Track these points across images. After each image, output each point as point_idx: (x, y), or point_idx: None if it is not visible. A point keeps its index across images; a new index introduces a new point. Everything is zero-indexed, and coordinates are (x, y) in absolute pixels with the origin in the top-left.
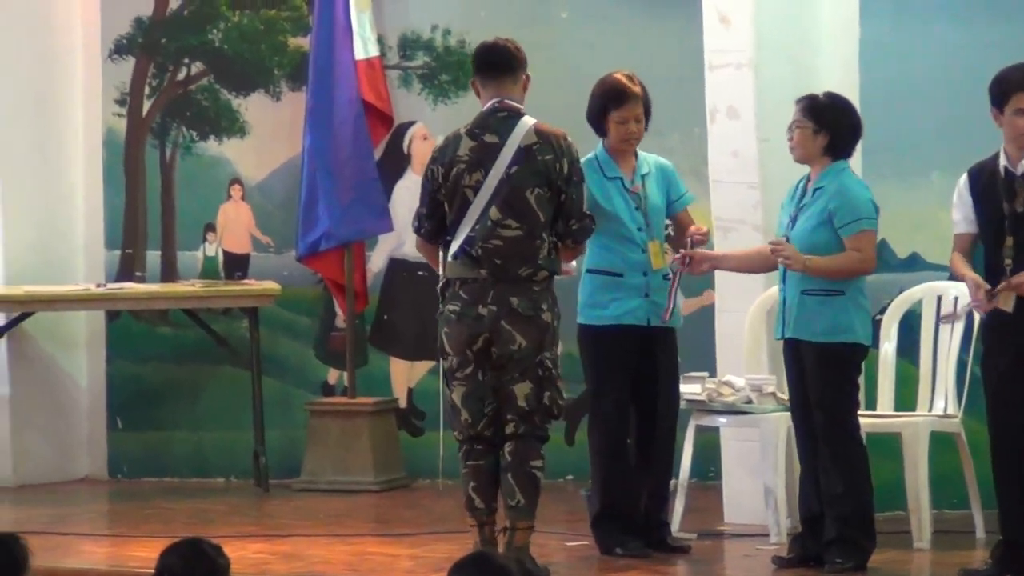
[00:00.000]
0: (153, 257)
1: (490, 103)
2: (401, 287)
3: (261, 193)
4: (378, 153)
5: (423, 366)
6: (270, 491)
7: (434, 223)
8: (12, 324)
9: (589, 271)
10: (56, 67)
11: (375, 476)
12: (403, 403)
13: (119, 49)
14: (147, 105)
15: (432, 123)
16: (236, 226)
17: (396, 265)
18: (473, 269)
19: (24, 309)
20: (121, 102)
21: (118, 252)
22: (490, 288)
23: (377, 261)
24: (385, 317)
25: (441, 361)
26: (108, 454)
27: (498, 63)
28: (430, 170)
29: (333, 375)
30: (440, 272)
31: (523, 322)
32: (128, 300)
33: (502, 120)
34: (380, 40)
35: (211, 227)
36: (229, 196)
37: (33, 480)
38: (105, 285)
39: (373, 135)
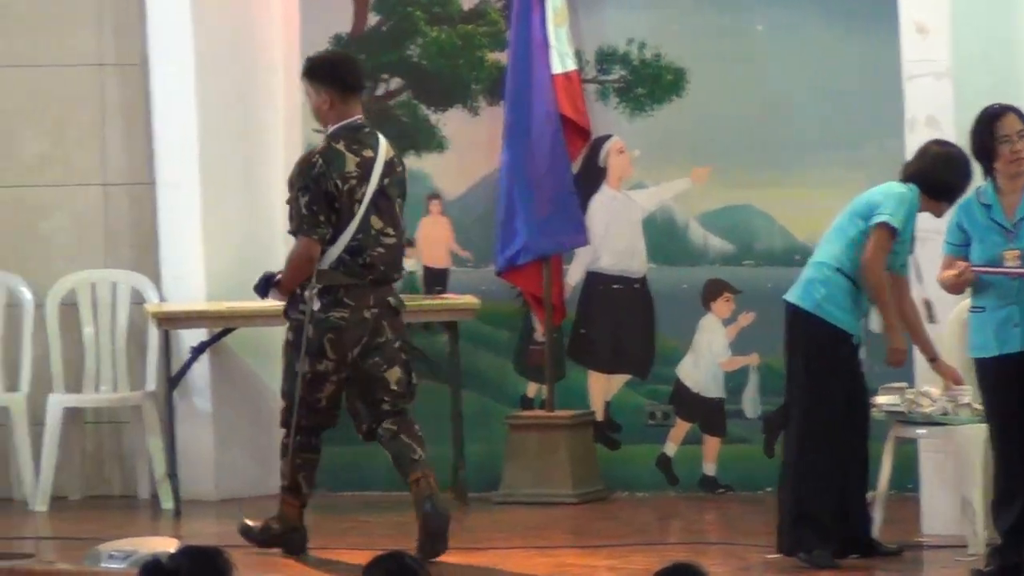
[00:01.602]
0: None
1: (355, 119)
2: (597, 300)
3: (460, 208)
4: (575, 167)
5: (620, 379)
6: (469, 504)
7: (328, 230)
8: (214, 340)
9: None
10: (258, 85)
11: (573, 488)
12: (600, 416)
13: None
14: None
15: (628, 136)
16: (435, 241)
17: (593, 278)
18: (358, 276)
19: (226, 324)
20: None
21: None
22: (371, 292)
23: (574, 274)
24: (582, 331)
25: (306, 362)
26: None
27: (360, 81)
28: (330, 182)
29: (532, 388)
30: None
31: (392, 316)
32: None
33: (367, 135)
34: (577, 54)
35: (410, 242)
36: (428, 211)
37: (235, 494)
38: None
39: (570, 149)
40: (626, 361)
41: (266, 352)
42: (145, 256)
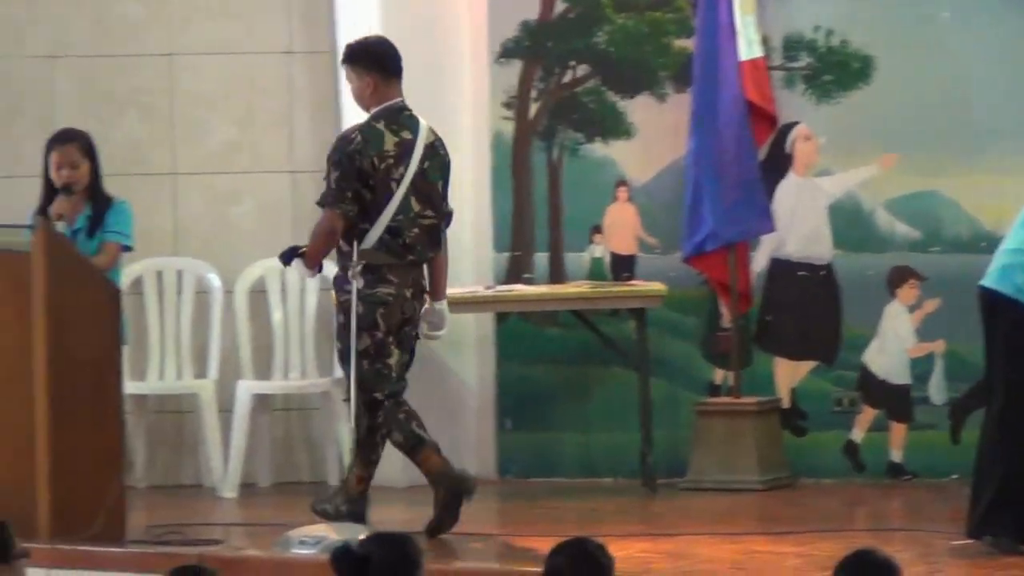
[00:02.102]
0: (541, 259)
1: (396, 101)
2: (783, 287)
3: (647, 194)
4: (761, 154)
5: (806, 366)
6: (657, 490)
7: (357, 208)
8: None
9: None
10: (445, 71)
11: (760, 475)
12: (786, 403)
13: (506, 52)
14: (534, 108)
15: (815, 123)
16: (622, 227)
17: (778, 265)
18: (399, 256)
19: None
20: (508, 105)
21: (507, 254)
22: (409, 272)
23: (760, 261)
24: (768, 317)
25: (359, 338)
26: (497, 454)
27: (400, 65)
28: (366, 160)
29: (719, 375)
30: (352, 254)
31: (421, 296)
32: (517, 302)
33: (408, 118)
34: (764, 41)
35: (597, 229)
36: (615, 198)
37: (423, 480)
38: (494, 287)
39: (757, 135)
40: (812, 348)
41: (454, 340)
42: None
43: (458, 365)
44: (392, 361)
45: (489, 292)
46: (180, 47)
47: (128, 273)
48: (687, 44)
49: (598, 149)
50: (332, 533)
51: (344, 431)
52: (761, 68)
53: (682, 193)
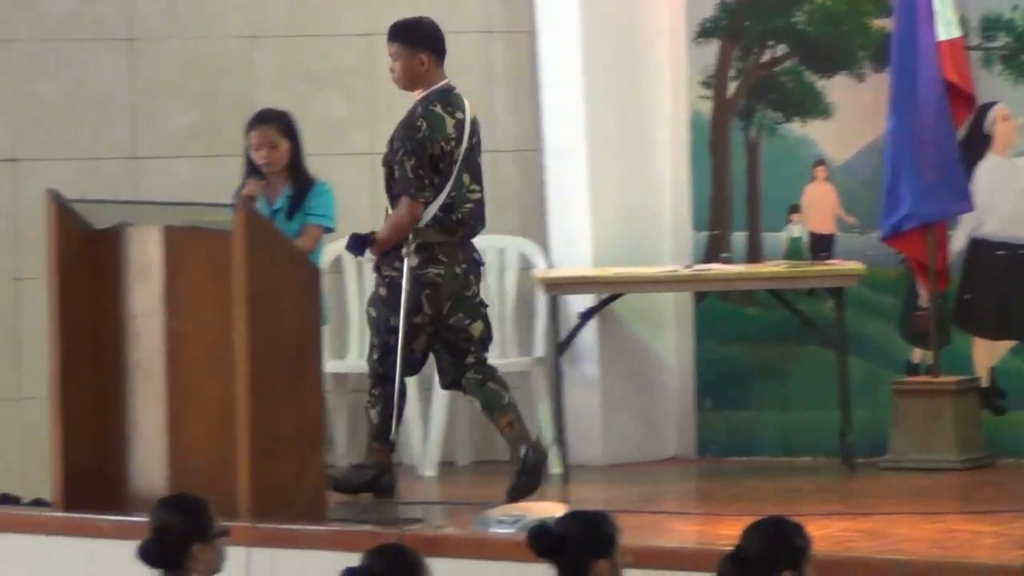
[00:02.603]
0: (739, 238)
1: (446, 82)
2: (982, 267)
3: (845, 174)
4: (960, 133)
5: (1005, 345)
6: (856, 470)
7: (432, 193)
8: (602, 305)
9: None
10: (643, 50)
11: (958, 454)
12: (985, 382)
13: (704, 32)
14: (732, 87)
15: (1013, 103)
16: (820, 207)
17: (977, 245)
18: (451, 232)
19: (613, 291)
20: (706, 84)
21: (705, 233)
22: (460, 248)
23: (958, 241)
24: (966, 297)
25: (405, 316)
26: (696, 433)
27: (445, 46)
28: (436, 145)
29: (917, 354)
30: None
31: (477, 270)
32: (715, 281)
33: (456, 97)
34: (962, 21)
35: (795, 208)
36: (813, 177)
37: (622, 459)
38: (692, 266)
39: (955, 116)
40: (1011, 327)
41: (653, 318)
42: (532, 222)
43: (657, 344)
44: (417, 345)
45: (688, 271)
46: (379, 27)
47: (328, 252)
48: (885, 23)
49: (796, 128)
50: (530, 511)
51: (544, 409)
52: (959, 48)
53: (880, 172)
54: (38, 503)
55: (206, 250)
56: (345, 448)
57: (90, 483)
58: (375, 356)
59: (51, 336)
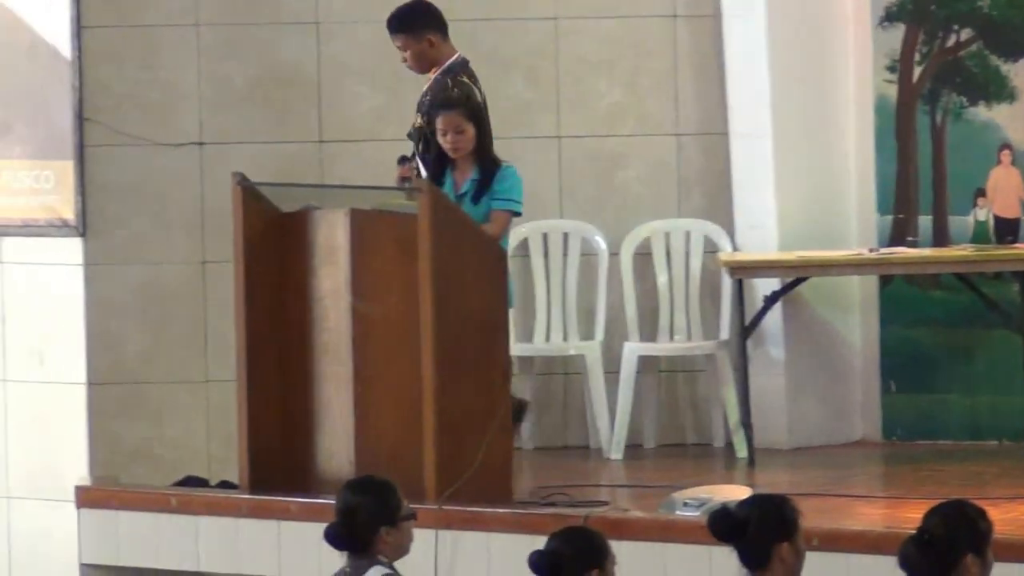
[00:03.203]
0: (925, 222)
1: (459, 55)
2: None
3: None
4: None
5: None
6: None
7: None
8: (787, 289)
9: None
10: (828, 35)
11: None
12: None
13: (889, 16)
14: (917, 71)
15: None
16: (1006, 191)
17: None
18: None
19: (799, 274)
20: (891, 68)
21: (890, 217)
22: None
23: None
24: None
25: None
26: (882, 417)
27: (444, 18)
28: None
29: None
30: None
31: None
32: (901, 265)
33: (472, 71)
34: None
35: (981, 192)
36: (998, 161)
37: (807, 443)
38: (878, 250)
39: None
40: None
41: (838, 302)
42: (718, 205)
43: (843, 327)
44: None
45: (873, 254)
46: (565, 11)
47: (514, 235)
48: None
49: (981, 113)
50: (716, 495)
51: (729, 393)
52: None
53: None
54: (225, 485)
55: (392, 233)
56: (531, 432)
57: (276, 465)
58: None
59: (237, 319)
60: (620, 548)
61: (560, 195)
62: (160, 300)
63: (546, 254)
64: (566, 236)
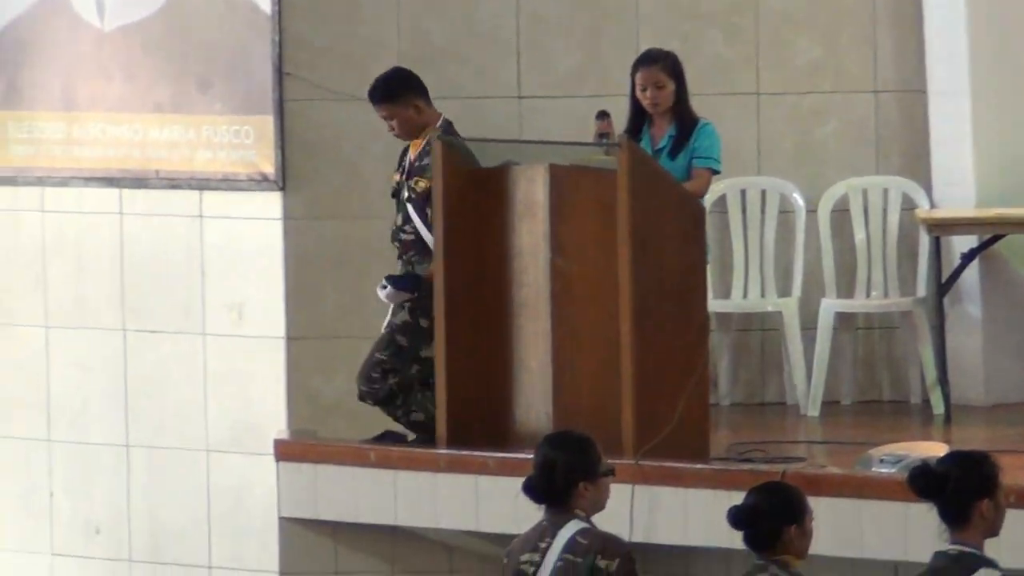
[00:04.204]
0: None
1: (443, 117)
2: None
3: None
4: None
5: None
6: None
7: None
8: (984, 246)
9: None
10: None
11: None
12: None
13: None
14: None
15: None
16: None
17: None
18: None
19: (996, 231)
20: None
21: None
22: None
23: None
24: None
25: (427, 318)
26: None
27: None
28: None
29: None
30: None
31: None
32: None
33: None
34: None
35: None
36: None
37: (1004, 400)
38: None
39: None
40: None
41: None
42: (915, 162)
43: None
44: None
45: None
46: None
47: (712, 191)
48: None
49: None
50: (912, 452)
51: (926, 350)
52: None
53: None
54: (423, 440)
55: (591, 189)
56: (728, 388)
57: (474, 420)
58: (392, 381)
59: (436, 273)
60: (817, 504)
61: (758, 152)
62: (358, 255)
63: (744, 211)
64: (764, 193)
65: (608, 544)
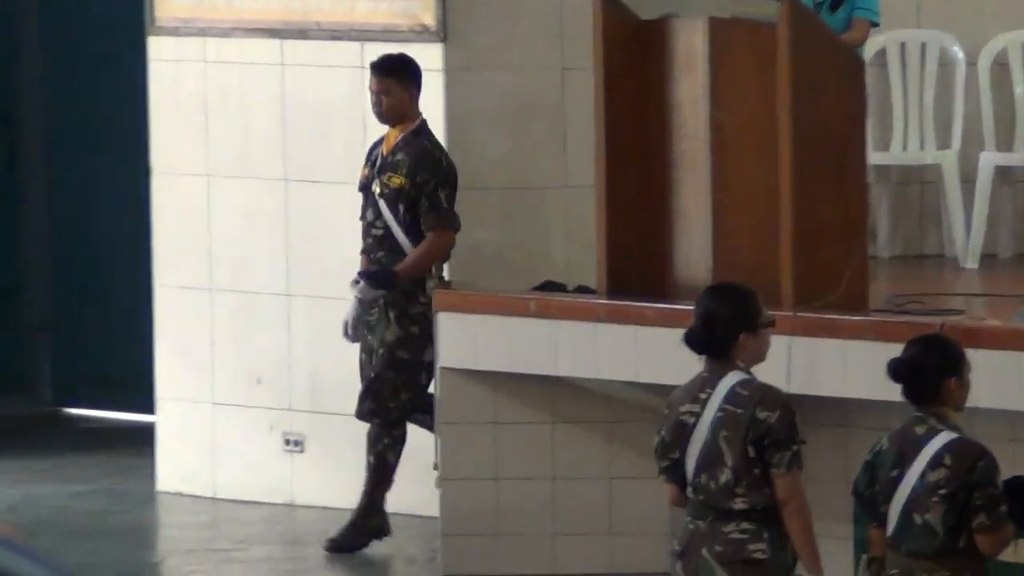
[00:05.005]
0: None
1: (423, 118)
2: None
3: None
4: None
5: None
6: None
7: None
8: None
9: None
10: None
11: None
12: None
13: None
14: None
15: None
16: None
17: None
18: None
19: None
20: None
21: None
22: None
23: None
24: None
25: (427, 350)
26: None
27: None
28: (455, 177)
29: None
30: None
31: None
32: None
33: None
34: None
35: None
36: None
37: None
38: None
39: None
40: None
41: None
42: None
43: None
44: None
45: None
46: None
47: (871, 45)
48: None
49: None
50: None
51: None
52: None
53: None
54: (583, 290)
55: (750, 41)
56: (886, 240)
57: (633, 271)
58: (404, 396)
59: (597, 126)
60: (975, 357)
61: (917, 5)
62: (520, 107)
63: (903, 64)
64: (923, 46)
65: (768, 395)
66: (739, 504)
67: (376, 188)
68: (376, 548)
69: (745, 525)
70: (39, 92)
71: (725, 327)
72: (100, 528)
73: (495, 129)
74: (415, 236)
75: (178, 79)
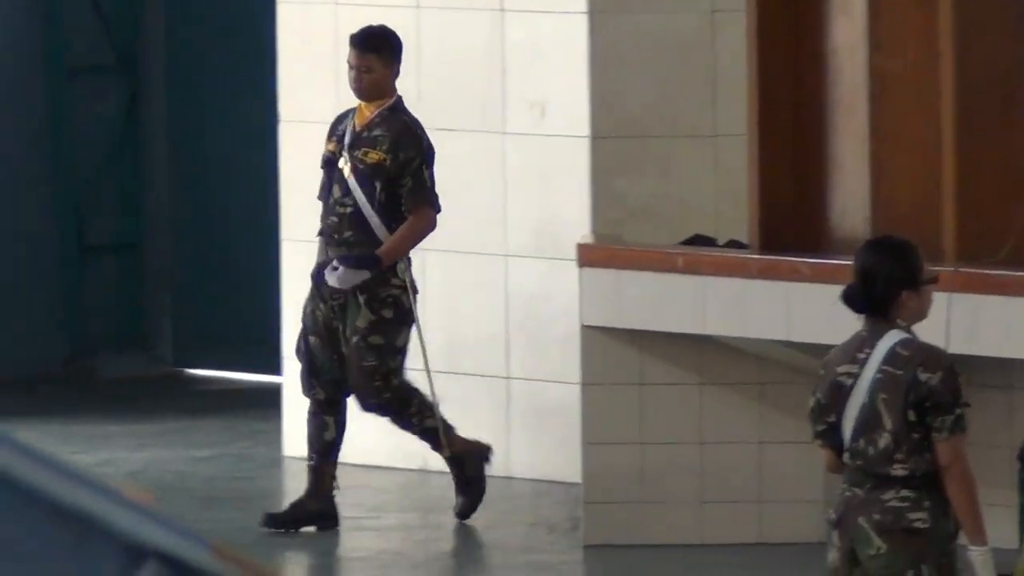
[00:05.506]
0: None
1: (399, 95)
2: None
3: None
4: None
5: None
6: None
7: None
8: None
9: None
10: None
11: None
12: None
13: None
14: None
15: None
16: None
17: None
18: None
19: None
20: None
21: None
22: None
23: None
24: None
25: (401, 333)
26: None
27: None
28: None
29: None
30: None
31: None
32: None
33: None
34: None
35: None
36: None
37: None
38: None
39: None
40: None
41: None
42: None
43: None
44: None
45: None
46: None
47: None
48: None
49: None
50: None
51: None
52: None
53: None
54: (734, 245)
55: None
56: None
57: (787, 224)
58: (395, 381)
59: (749, 71)
60: None
61: None
62: (667, 51)
63: None
64: None
65: (930, 356)
66: (898, 470)
67: (345, 164)
68: (515, 516)
69: (905, 492)
70: (161, 39)
71: (885, 284)
72: (225, 494)
73: (641, 75)
74: (386, 215)
75: (308, 21)
